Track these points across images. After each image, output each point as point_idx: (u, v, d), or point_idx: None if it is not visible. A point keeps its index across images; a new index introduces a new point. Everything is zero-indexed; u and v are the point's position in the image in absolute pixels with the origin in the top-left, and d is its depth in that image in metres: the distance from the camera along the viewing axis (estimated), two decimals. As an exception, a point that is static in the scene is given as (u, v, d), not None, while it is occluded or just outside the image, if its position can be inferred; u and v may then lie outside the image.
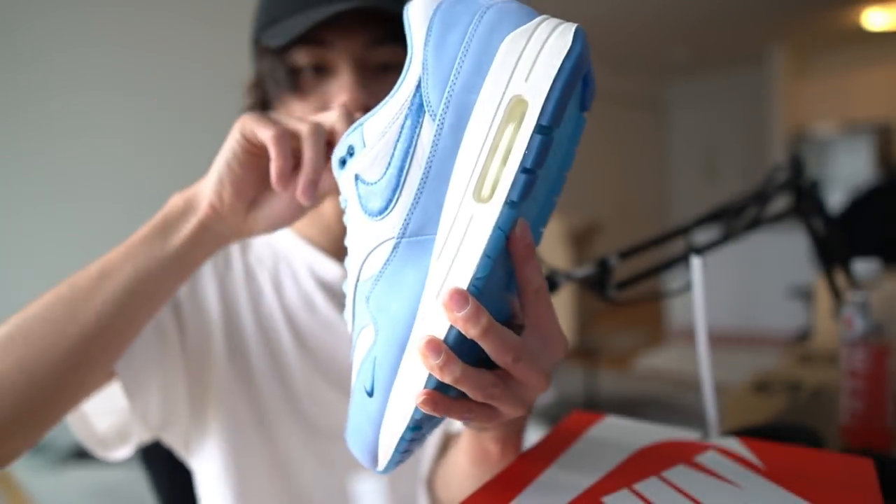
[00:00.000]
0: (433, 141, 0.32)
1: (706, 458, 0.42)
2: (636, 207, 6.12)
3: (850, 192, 2.85)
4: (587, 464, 0.42)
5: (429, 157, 0.32)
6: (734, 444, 0.43)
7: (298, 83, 0.58)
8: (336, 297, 0.66)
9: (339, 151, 0.36)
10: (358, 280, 0.34)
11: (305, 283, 0.66)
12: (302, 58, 0.58)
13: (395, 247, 0.32)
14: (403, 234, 0.32)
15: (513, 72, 0.30)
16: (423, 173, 0.32)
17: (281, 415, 0.64)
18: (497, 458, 0.49)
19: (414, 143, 0.32)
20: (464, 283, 0.29)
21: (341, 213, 0.63)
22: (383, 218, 0.33)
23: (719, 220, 0.77)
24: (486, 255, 0.29)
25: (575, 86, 0.30)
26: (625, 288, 0.73)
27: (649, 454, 0.43)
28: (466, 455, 0.53)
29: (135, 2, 2.47)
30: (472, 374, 0.30)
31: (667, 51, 5.34)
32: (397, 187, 0.32)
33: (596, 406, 2.75)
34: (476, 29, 0.31)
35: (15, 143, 2.18)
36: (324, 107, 0.58)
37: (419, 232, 0.32)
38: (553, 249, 2.94)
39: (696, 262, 0.47)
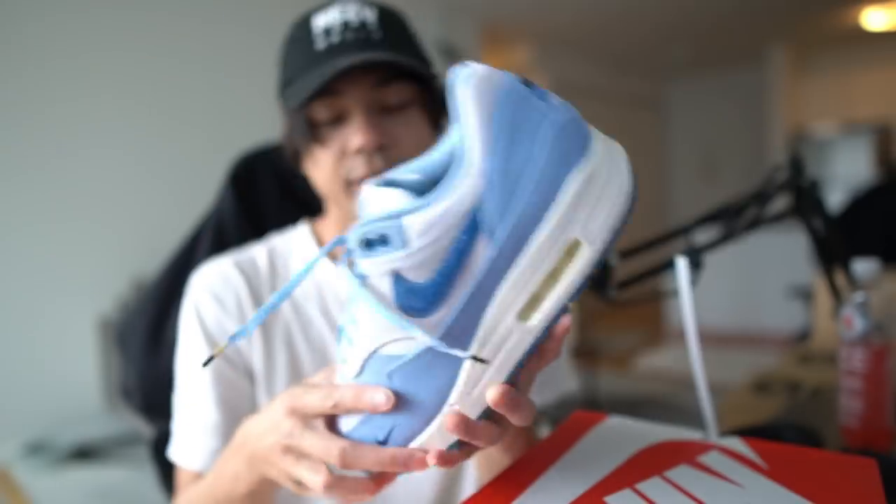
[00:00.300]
0: (488, 261, 0.33)
1: (708, 457, 0.42)
2: (636, 207, 6.11)
3: (849, 192, 2.85)
4: (589, 464, 0.42)
5: (480, 275, 0.33)
6: (736, 444, 0.43)
7: (319, 134, 0.63)
8: None
9: (364, 231, 0.34)
10: (376, 351, 0.36)
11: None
12: (319, 112, 0.62)
13: (429, 348, 0.34)
14: (442, 336, 0.34)
15: (574, 214, 0.33)
16: (472, 287, 0.33)
17: None
18: (500, 461, 0.53)
19: (467, 257, 0.33)
20: (500, 381, 0.35)
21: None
22: (422, 318, 0.34)
23: (719, 220, 0.77)
24: (519, 364, 0.35)
25: (623, 230, 0.34)
26: (625, 288, 0.73)
27: (652, 454, 0.43)
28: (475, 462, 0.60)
29: (136, 1, 2.47)
30: (485, 430, 0.36)
31: (667, 51, 5.34)
32: (443, 295, 0.34)
33: (596, 406, 2.75)
34: (543, 152, 0.32)
35: (15, 142, 2.18)
36: (343, 151, 0.62)
37: (458, 338, 0.34)
38: (553, 249, 2.94)
39: (681, 264, 0.47)
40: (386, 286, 0.34)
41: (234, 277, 0.67)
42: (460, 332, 0.34)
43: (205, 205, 0.93)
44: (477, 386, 0.35)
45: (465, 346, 0.34)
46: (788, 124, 5.48)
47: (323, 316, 0.68)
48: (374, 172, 0.62)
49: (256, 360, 0.66)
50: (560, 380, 0.74)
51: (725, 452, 0.42)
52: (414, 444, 0.36)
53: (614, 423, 0.48)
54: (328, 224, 0.72)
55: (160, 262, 0.92)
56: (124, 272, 2.35)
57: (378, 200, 0.35)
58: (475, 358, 0.34)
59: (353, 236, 0.35)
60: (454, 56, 3.85)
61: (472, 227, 0.32)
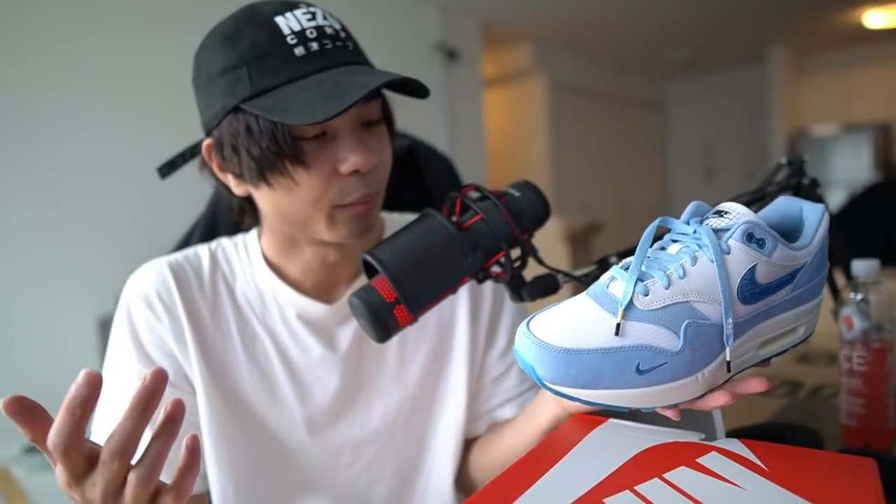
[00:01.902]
0: (781, 299, 0.47)
1: (708, 459, 0.42)
2: (636, 207, 6.11)
3: (849, 192, 2.85)
4: (589, 466, 0.42)
5: (775, 303, 0.47)
6: (735, 446, 0.43)
7: (304, 153, 0.57)
8: (321, 332, 0.69)
9: (756, 226, 0.45)
10: (688, 303, 0.44)
11: (294, 324, 0.69)
12: (307, 129, 0.57)
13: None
14: (740, 322, 0.45)
15: (811, 312, 0.49)
16: (767, 307, 0.47)
17: (282, 448, 0.68)
18: (540, 435, 0.59)
19: (779, 289, 0.47)
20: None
21: (323, 257, 0.66)
22: (741, 304, 0.45)
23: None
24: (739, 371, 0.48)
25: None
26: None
27: (651, 456, 0.43)
28: (518, 433, 0.64)
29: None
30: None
31: (667, 51, 5.34)
32: (760, 298, 0.46)
33: (596, 406, 2.74)
34: (822, 278, 0.50)
35: (14, 140, 2.18)
36: (332, 174, 0.58)
37: (737, 332, 0.45)
38: (553, 249, 2.94)
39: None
40: (741, 269, 0.44)
41: (167, 278, 0.66)
42: (740, 329, 0.44)
43: (205, 205, 0.93)
44: (718, 371, 0.45)
45: (741, 336, 0.45)
46: (788, 124, 5.48)
47: (266, 332, 0.68)
48: (368, 194, 0.59)
49: (195, 374, 0.65)
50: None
51: (725, 454, 0.42)
52: (670, 385, 0.43)
53: (614, 426, 0.48)
54: (271, 241, 0.68)
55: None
56: (125, 272, 2.35)
57: (747, 215, 0.45)
58: (728, 365, 0.45)
59: (740, 223, 0.44)
60: (454, 56, 3.85)
61: (792, 277, 0.46)
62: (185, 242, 0.88)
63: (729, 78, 6.17)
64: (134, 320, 0.65)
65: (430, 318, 0.73)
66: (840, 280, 0.80)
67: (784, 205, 0.52)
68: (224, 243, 0.72)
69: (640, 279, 0.45)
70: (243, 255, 0.70)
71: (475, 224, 0.58)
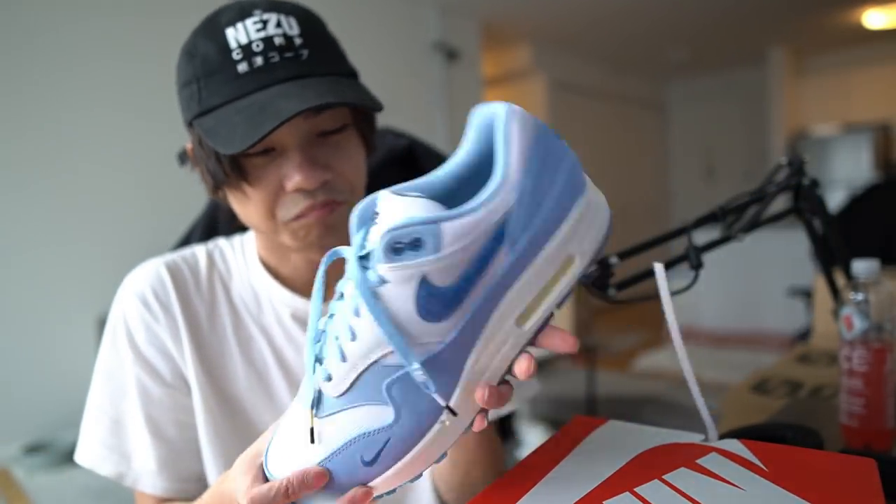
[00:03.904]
0: (503, 269, 0.36)
1: (707, 460, 0.41)
2: (636, 207, 6.11)
3: (849, 193, 2.85)
4: (589, 468, 0.42)
5: (494, 281, 0.36)
6: (735, 446, 0.43)
7: (246, 171, 0.57)
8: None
9: (396, 236, 0.34)
10: (376, 362, 0.36)
11: (289, 325, 0.68)
12: (250, 149, 0.55)
13: (439, 353, 0.36)
14: (452, 340, 0.36)
15: (575, 234, 0.38)
16: (485, 293, 0.36)
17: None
18: (475, 445, 0.61)
19: (489, 263, 0.36)
20: (495, 383, 0.38)
21: (308, 260, 0.66)
22: (436, 323, 0.36)
23: (719, 220, 0.77)
24: (510, 366, 0.38)
25: (602, 251, 0.39)
26: (625, 288, 0.73)
27: (651, 457, 0.43)
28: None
29: (136, 1, 2.47)
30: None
31: (667, 51, 5.34)
32: (461, 300, 0.36)
33: (595, 405, 2.75)
34: (561, 180, 0.37)
35: (14, 140, 2.18)
36: (278, 191, 0.58)
37: (464, 342, 0.36)
38: (553, 249, 2.94)
39: (658, 269, 0.48)
40: (409, 291, 0.35)
41: (164, 277, 0.66)
42: (469, 335, 0.36)
43: (205, 205, 0.93)
44: (477, 384, 0.38)
45: (470, 349, 0.37)
46: (788, 125, 5.48)
47: (261, 333, 0.68)
48: (315, 207, 0.58)
49: (190, 374, 0.65)
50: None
51: (724, 455, 0.42)
52: (413, 454, 0.37)
53: (614, 427, 0.48)
54: (263, 244, 0.69)
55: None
56: (124, 272, 2.35)
57: (402, 208, 0.36)
58: (449, 409, 0.37)
59: (380, 242, 0.35)
60: (454, 56, 3.85)
61: (499, 236, 0.36)
62: (185, 242, 0.88)
63: (729, 78, 6.17)
64: (129, 319, 0.65)
65: None
66: (840, 280, 0.80)
67: (475, 136, 0.39)
68: (221, 244, 0.72)
69: (318, 361, 0.38)
70: (240, 255, 0.70)
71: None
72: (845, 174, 5.19)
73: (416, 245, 0.34)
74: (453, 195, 0.39)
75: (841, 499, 0.36)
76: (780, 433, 0.66)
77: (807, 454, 0.42)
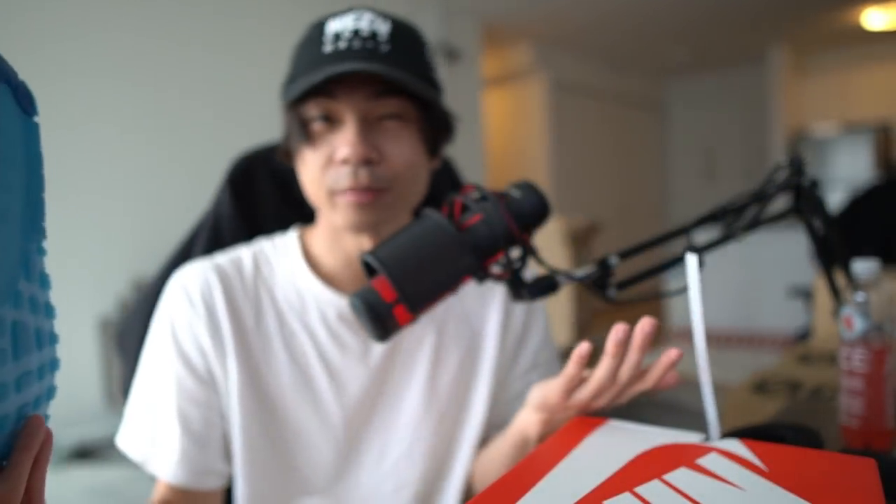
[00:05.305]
0: None
1: (707, 460, 0.41)
2: (636, 207, 6.11)
3: (850, 192, 2.85)
4: (589, 468, 0.42)
5: None
6: (735, 446, 0.43)
7: (309, 133, 0.63)
8: (358, 331, 0.71)
9: None
10: None
11: (333, 323, 0.70)
12: (312, 109, 0.63)
13: None
14: None
15: None
16: None
17: (311, 447, 0.70)
18: (533, 442, 0.62)
19: None
20: None
21: (359, 246, 0.68)
22: None
23: (719, 220, 0.77)
24: None
25: None
26: (625, 288, 0.73)
27: (651, 457, 0.43)
28: (510, 441, 0.65)
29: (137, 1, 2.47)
30: None
31: (667, 51, 5.34)
32: None
33: (596, 406, 2.75)
34: None
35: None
36: (330, 158, 0.63)
37: None
38: (553, 249, 2.94)
39: (691, 260, 0.47)
40: None
41: (211, 280, 0.68)
42: None
43: (205, 205, 0.93)
44: None
45: None
46: (788, 124, 5.48)
47: (304, 330, 0.69)
48: (357, 186, 0.62)
49: (231, 374, 0.67)
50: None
51: (725, 455, 0.42)
52: None
53: (614, 427, 0.48)
54: (317, 233, 0.71)
55: (160, 263, 0.92)
56: (124, 272, 2.35)
57: None
58: None
59: None
60: (455, 56, 3.85)
61: None
62: (188, 245, 0.88)
63: (729, 78, 6.17)
64: (173, 315, 0.67)
65: (463, 323, 0.74)
66: (840, 280, 0.80)
67: None
68: (264, 245, 0.73)
69: None
70: (282, 255, 0.72)
71: (475, 224, 0.58)
72: (845, 174, 5.19)
73: None
74: None
75: (841, 499, 0.36)
76: (780, 433, 0.66)
77: (807, 454, 0.42)
